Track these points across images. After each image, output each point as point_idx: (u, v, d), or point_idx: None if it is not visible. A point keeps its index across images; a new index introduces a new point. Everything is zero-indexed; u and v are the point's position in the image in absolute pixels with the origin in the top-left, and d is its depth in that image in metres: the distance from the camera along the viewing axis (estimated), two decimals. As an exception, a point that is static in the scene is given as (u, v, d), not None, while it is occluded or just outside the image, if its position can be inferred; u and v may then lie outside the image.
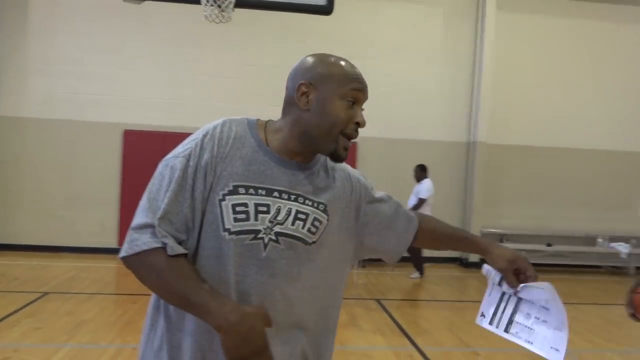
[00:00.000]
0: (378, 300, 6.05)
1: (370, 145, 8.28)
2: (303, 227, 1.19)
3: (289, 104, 1.23)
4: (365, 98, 1.23)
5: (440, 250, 1.50)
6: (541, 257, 8.63)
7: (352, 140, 1.24)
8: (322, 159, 1.30)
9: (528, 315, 1.29)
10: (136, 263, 1.11)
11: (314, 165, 1.27)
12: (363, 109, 1.24)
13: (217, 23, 4.75)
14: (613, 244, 8.54)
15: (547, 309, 1.26)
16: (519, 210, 8.90)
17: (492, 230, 8.69)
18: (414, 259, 7.45)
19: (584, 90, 8.94)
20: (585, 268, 8.79)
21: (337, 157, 1.22)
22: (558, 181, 8.93)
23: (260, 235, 1.15)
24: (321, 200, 1.24)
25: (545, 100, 8.88)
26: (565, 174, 8.94)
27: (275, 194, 1.18)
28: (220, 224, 1.14)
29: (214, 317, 1.04)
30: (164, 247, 1.09)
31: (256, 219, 1.15)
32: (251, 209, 1.15)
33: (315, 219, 1.21)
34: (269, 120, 1.28)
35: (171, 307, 1.18)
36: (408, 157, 7.58)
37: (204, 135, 1.18)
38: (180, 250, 1.11)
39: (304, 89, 1.19)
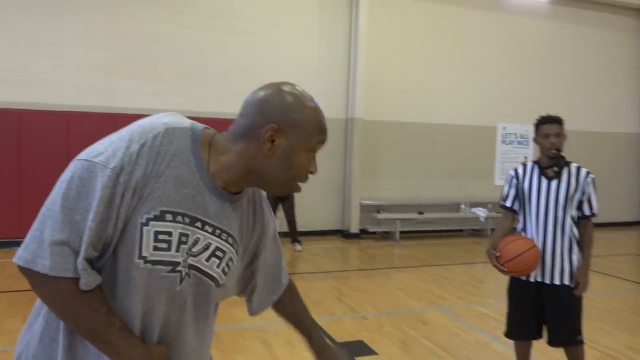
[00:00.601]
0: (266, 277, 6.08)
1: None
2: (218, 266, 1.14)
3: (248, 135, 1.10)
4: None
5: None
6: (414, 224, 9.35)
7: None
8: (249, 190, 1.23)
9: None
10: (37, 281, 1.00)
11: (242, 198, 1.20)
12: None
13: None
14: (473, 210, 9.55)
15: None
16: (394, 182, 9.51)
17: (370, 202, 9.19)
18: (291, 232, 7.56)
19: (448, 70, 9.72)
20: (451, 232, 9.73)
21: (283, 197, 1.21)
22: (427, 154, 9.69)
23: (178, 268, 1.08)
24: (237, 240, 1.19)
25: (415, 79, 9.50)
26: (433, 148, 9.72)
27: (198, 224, 1.09)
28: (137, 250, 1.03)
29: (121, 359, 1.04)
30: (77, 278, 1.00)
31: (177, 250, 1.07)
32: (174, 239, 1.06)
33: (230, 258, 1.17)
34: (216, 134, 1.14)
35: None
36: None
37: (141, 146, 1.02)
38: (94, 282, 1.02)
39: (271, 133, 1.08)
